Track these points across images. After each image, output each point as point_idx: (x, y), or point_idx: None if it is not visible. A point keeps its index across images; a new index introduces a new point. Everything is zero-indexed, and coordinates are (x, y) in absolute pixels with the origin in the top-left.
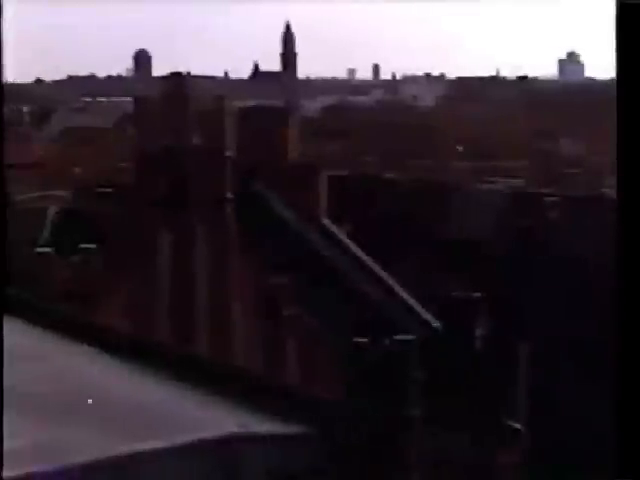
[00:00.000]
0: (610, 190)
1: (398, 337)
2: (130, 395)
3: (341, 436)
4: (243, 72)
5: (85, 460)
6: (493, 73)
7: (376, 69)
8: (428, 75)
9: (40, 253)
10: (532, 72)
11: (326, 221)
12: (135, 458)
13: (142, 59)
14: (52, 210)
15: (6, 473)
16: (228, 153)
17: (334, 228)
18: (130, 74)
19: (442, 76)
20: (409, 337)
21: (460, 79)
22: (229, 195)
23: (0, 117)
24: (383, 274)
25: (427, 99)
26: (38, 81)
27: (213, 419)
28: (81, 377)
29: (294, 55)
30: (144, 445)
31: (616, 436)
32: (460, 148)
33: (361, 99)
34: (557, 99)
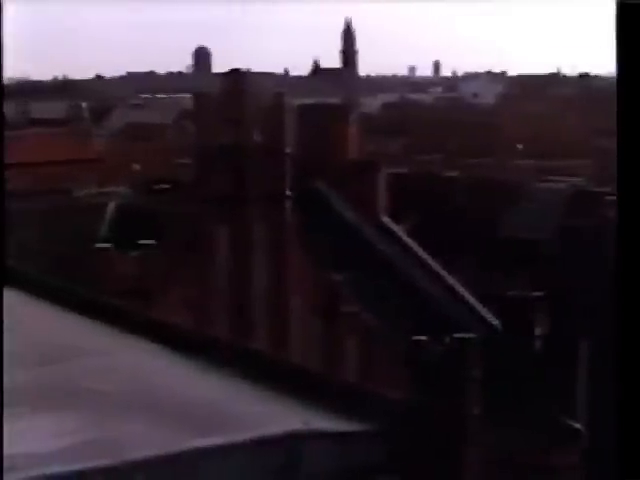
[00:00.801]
0: None
1: (458, 335)
2: (192, 391)
3: (403, 434)
4: (303, 69)
5: (147, 456)
6: (554, 71)
7: (437, 66)
8: (489, 72)
9: (100, 249)
10: (593, 70)
11: (385, 219)
12: (198, 454)
13: (202, 56)
14: (111, 206)
15: (71, 467)
16: (287, 150)
17: (393, 226)
18: (189, 71)
19: (503, 74)
20: (469, 335)
21: (520, 77)
22: (288, 192)
23: (0, 116)
24: (443, 272)
25: (488, 97)
26: (98, 77)
27: (276, 416)
28: (143, 373)
29: (354, 52)
30: (207, 441)
31: (617, 436)
32: (520, 146)
33: (421, 96)
34: None
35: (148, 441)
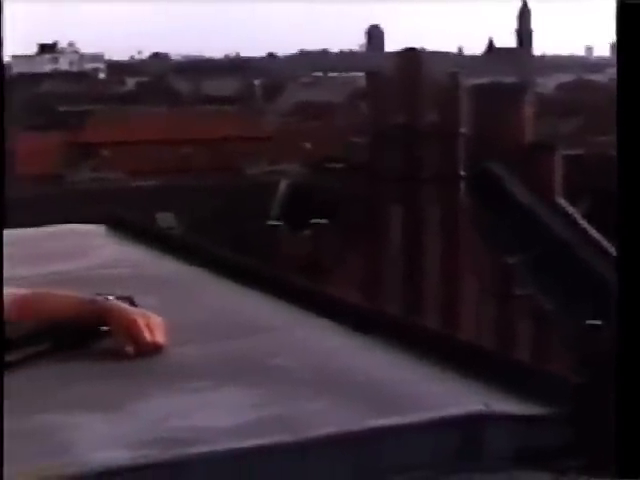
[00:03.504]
0: None
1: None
2: (370, 370)
3: (582, 418)
4: (477, 48)
5: (327, 433)
6: None
7: (614, 47)
8: None
9: (272, 226)
10: None
11: (561, 200)
12: (378, 433)
13: (375, 34)
14: (283, 184)
15: (247, 443)
16: (462, 130)
17: (569, 208)
18: (362, 49)
19: None
20: None
21: None
22: (462, 173)
23: (0, 111)
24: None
25: None
26: (270, 55)
27: (454, 396)
28: (322, 350)
29: (530, 31)
30: (387, 421)
31: (616, 436)
32: None
33: (598, 77)
34: None
35: (328, 419)
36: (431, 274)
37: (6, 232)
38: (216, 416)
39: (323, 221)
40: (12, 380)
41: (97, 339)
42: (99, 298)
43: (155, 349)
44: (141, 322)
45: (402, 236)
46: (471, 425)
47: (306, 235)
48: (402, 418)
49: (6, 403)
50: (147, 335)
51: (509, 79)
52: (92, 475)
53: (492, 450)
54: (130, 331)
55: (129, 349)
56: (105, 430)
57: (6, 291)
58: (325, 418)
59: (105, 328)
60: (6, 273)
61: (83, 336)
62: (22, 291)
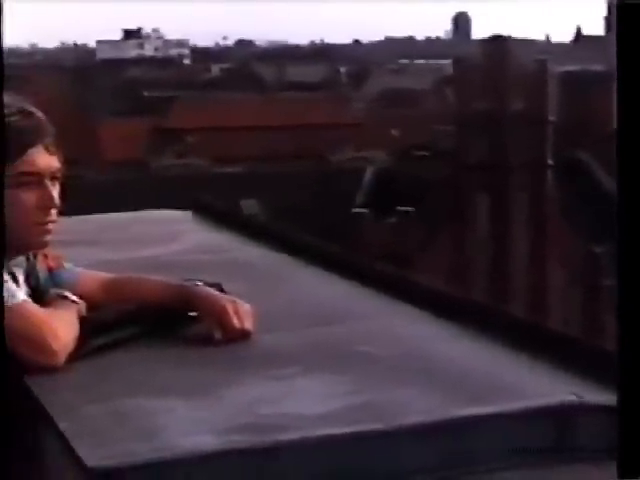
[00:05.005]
0: None
1: None
2: (455, 358)
3: None
4: (565, 36)
5: (419, 421)
6: None
7: None
8: None
9: (357, 213)
10: None
11: None
12: (469, 422)
13: (461, 21)
14: (369, 171)
15: (336, 431)
16: (550, 118)
17: None
18: (449, 36)
19: None
20: None
21: None
22: (549, 161)
23: (0, 107)
24: None
25: None
26: (356, 42)
27: (544, 386)
28: (409, 337)
29: None
30: (478, 409)
31: (617, 435)
32: None
33: None
34: None
35: (417, 406)
36: (517, 263)
37: (96, 217)
38: (304, 403)
39: (409, 209)
40: (101, 364)
41: (185, 325)
42: (188, 284)
43: (243, 336)
44: (230, 309)
45: (488, 224)
46: (561, 415)
47: (391, 222)
48: (491, 407)
49: (95, 386)
50: (236, 322)
51: (597, 67)
52: (180, 460)
53: (582, 441)
54: (219, 317)
55: (218, 335)
56: (193, 415)
57: (95, 275)
58: (414, 406)
59: (193, 314)
60: (96, 257)
61: (171, 321)
62: (111, 275)
